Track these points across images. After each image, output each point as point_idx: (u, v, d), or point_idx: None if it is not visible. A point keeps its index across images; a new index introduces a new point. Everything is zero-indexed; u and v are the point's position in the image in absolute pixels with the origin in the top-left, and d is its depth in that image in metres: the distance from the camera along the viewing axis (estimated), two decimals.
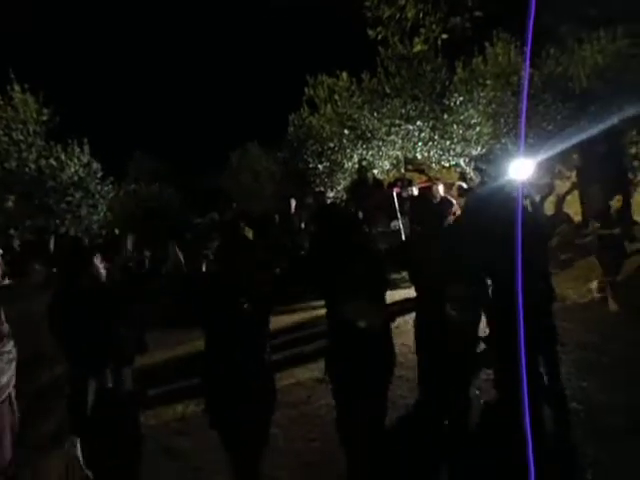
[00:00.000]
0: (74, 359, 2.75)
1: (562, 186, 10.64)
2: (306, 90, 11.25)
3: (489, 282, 3.75)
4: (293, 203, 8.25)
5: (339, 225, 3.19)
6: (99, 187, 9.70)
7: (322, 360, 3.11)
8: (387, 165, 10.49)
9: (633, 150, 9.44)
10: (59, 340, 2.75)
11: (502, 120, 9.42)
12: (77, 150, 9.42)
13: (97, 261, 3.00)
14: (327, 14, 11.87)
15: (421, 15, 9.44)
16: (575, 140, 8.01)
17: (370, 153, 10.26)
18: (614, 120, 8.03)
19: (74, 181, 9.12)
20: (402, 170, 10.66)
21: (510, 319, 2.86)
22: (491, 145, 9.63)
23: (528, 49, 6.96)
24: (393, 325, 4.32)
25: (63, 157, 9.06)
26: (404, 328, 5.28)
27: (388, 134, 10.05)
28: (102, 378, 2.75)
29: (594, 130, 7.91)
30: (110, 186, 10.17)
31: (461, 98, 9.72)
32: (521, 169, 3.60)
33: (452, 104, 9.83)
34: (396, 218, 7.93)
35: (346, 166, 10.47)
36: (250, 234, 5.44)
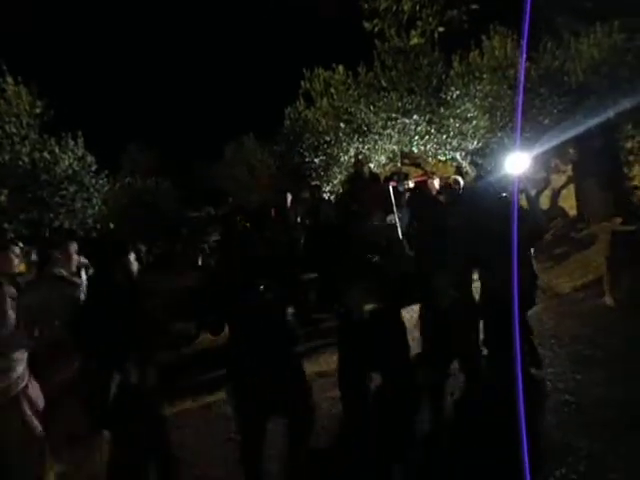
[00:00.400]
0: (101, 354, 2.74)
1: (558, 180, 10.66)
2: (302, 83, 11.15)
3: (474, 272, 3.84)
4: (289, 197, 8.21)
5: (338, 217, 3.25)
6: (93, 180, 9.66)
7: (323, 355, 3.12)
8: (383, 159, 10.44)
9: (629, 144, 9.46)
10: (89, 334, 2.74)
11: (498, 114, 9.39)
12: (71, 143, 9.37)
13: (131, 257, 3.02)
14: (323, 7, 11.78)
15: (418, 8, 9.42)
16: (571, 134, 7.99)
17: (366, 147, 10.20)
18: (610, 114, 8.03)
19: (68, 174, 9.05)
20: (398, 164, 10.62)
21: (501, 306, 2.91)
22: (487, 139, 9.62)
23: (524, 43, 6.99)
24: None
25: (57, 150, 9.00)
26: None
27: (384, 128, 9.99)
28: (126, 373, 2.75)
29: (590, 124, 7.91)
30: (105, 179, 10.12)
31: (457, 92, 9.68)
32: (517, 163, 3.61)
33: (448, 98, 9.79)
34: (392, 212, 7.91)
35: (342, 160, 10.41)
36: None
